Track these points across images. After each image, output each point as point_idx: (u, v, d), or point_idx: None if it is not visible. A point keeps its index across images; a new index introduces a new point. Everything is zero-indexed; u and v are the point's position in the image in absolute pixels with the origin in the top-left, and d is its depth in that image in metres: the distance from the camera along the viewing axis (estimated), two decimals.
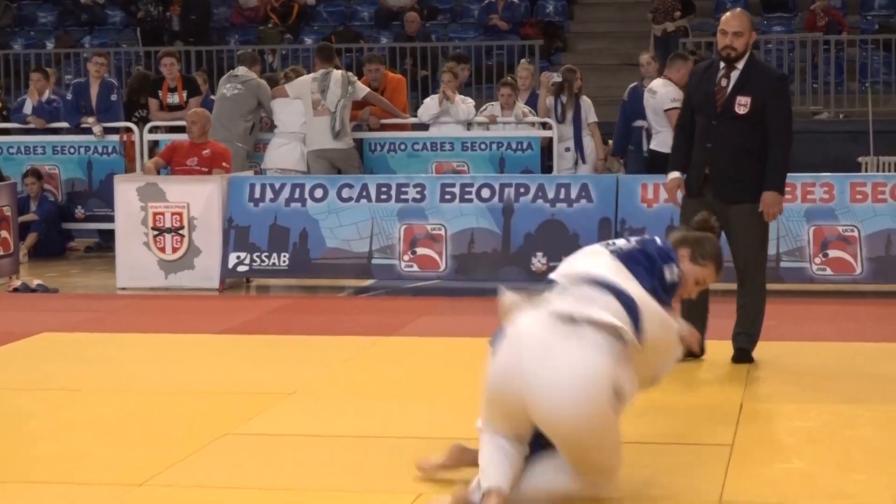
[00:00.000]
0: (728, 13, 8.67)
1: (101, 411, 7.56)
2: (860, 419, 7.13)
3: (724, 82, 8.33)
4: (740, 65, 8.31)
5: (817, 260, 11.60)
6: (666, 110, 13.21)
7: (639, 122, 14.41)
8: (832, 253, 11.59)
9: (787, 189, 11.16)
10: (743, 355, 8.40)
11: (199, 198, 12.56)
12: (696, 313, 7.89)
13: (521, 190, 12.23)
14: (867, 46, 19.42)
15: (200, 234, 12.51)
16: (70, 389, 8.17)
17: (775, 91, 8.42)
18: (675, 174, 8.61)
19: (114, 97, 15.75)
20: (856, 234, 11.60)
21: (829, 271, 11.61)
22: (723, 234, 7.92)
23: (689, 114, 8.59)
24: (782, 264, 11.45)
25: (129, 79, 17.39)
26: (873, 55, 19.33)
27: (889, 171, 16.94)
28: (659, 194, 11.86)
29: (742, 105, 8.21)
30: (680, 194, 8.56)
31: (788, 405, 7.48)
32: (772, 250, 11.20)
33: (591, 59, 20.11)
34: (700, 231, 6.31)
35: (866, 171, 15.86)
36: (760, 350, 8.50)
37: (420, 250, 12.26)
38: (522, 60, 17.88)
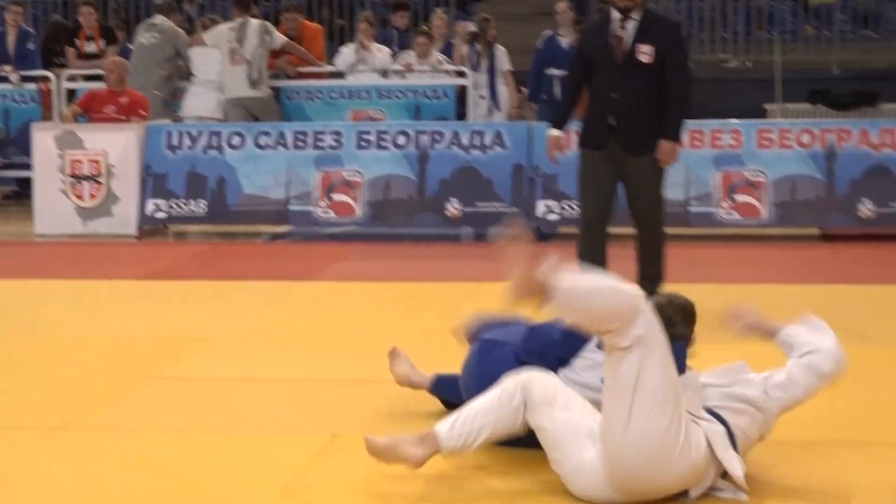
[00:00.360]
0: None
1: (19, 357, 7.51)
2: (764, 360, 7.20)
3: (621, 32, 8.17)
4: (636, 15, 8.17)
5: (725, 204, 11.72)
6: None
7: (552, 71, 14.43)
8: (739, 198, 11.71)
9: (697, 136, 11.37)
10: None
11: (117, 145, 12.49)
12: (596, 259, 7.94)
13: (437, 137, 12.24)
14: None
15: (118, 182, 12.44)
16: None
17: (675, 40, 8.36)
18: (555, 132, 8.50)
19: (31, 46, 15.58)
20: (762, 179, 11.73)
21: (736, 215, 11.74)
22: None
23: (581, 69, 8.45)
24: (691, 209, 11.56)
25: (46, 27, 17.15)
26: (781, 4, 19.44)
27: (795, 118, 17.10)
28: (571, 142, 11.92)
29: (645, 54, 8.10)
30: (559, 154, 8.54)
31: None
32: (680, 195, 11.37)
33: (505, 9, 20.05)
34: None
35: (773, 119, 15.98)
36: None
37: (336, 197, 12.24)
38: (437, 10, 17.81)
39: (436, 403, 5.96)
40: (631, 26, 8.17)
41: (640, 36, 8.16)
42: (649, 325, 4.73)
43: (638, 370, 4.66)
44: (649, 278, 8.20)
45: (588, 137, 8.36)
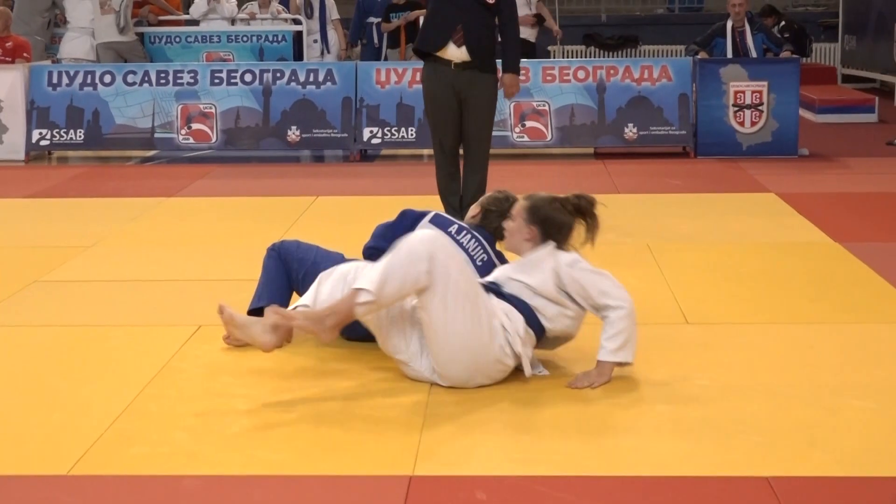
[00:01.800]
0: None
1: None
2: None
3: None
4: None
5: (517, 129, 11.79)
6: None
7: (370, 19, 14.37)
8: (529, 124, 11.78)
9: None
10: None
11: (4, 84, 12.11)
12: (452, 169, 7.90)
13: (278, 75, 12.08)
14: None
15: (7, 115, 12.09)
16: None
17: None
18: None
19: None
20: (546, 108, 11.81)
21: (526, 138, 11.82)
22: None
23: (434, 4, 7.83)
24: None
25: None
26: None
27: (572, 58, 17.25)
28: (391, 77, 11.88)
29: None
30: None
31: None
32: None
33: None
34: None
35: (554, 58, 16.10)
36: None
37: (195, 126, 12.04)
38: None
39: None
40: None
41: None
42: (442, 263, 4.58)
43: (445, 299, 4.59)
44: (476, 187, 7.85)
45: (428, 39, 7.80)
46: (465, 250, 5.36)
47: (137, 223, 8.62)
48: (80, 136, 12.09)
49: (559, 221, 5.02)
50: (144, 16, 14.27)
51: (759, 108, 11.57)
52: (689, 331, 5.68)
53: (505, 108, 11.63)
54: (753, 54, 12.00)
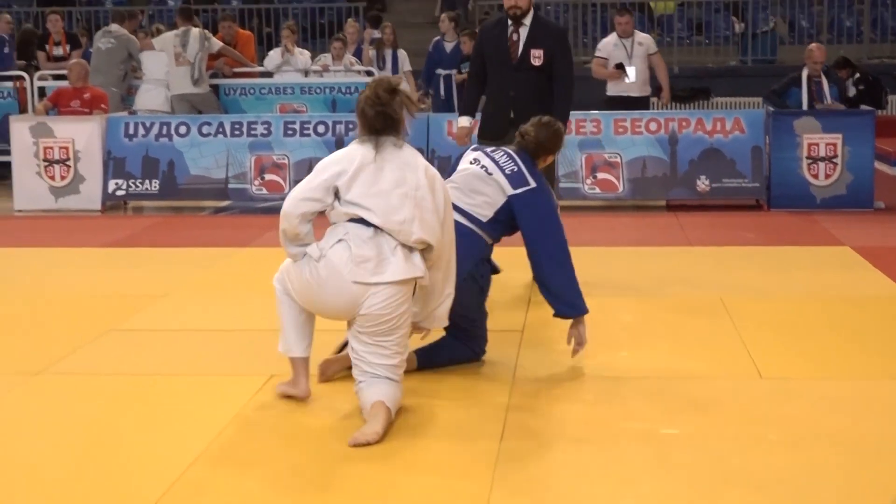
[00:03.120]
0: None
1: (2, 313, 7.39)
2: (622, 309, 7.28)
3: (514, 37, 8.06)
4: (527, 21, 8.05)
5: (588, 181, 11.79)
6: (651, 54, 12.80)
7: (439, 70, 14.47)
8: (600, 175, 11.77)
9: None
10: None
11: (83, 134, 12.32)
12: None
13: (351, 126, 12.18)
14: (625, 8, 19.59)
15: (84, 165, 12.29)
16: None
17: (561, 44, 8.17)
18: (466, 121, 8.31)
19: (6, 49, 15.33)
20: (618, 159, 11.80)
21: (597, 190, 11.80)
22: None
23: (481, 65, 8.21)
24: (560, 185, 11.59)
25: (20, 34, 16.85)
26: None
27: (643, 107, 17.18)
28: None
29: (536, 57, 7.98)
30: (472, 138, 8.25)
31: None
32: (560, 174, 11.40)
33: (405, 19, 20.02)
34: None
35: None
36: None
37: (268, 176, 12.18)
38: (349, 19, 17.71)
39: None
40: (524, 32, 8.04)
41: (532, 41, 8.02)
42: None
43: None
44: None
45: (487, 129, 8.13)
46: (496, 162, 5.88)
47: (210, 273, 8.71)
48: (155, 187, 12.26)
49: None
50: (219, 68, 14.46)
51: (834, 160, 11.48)
52: (763, 385, 5.62)
53: (576, 159, 11.64)
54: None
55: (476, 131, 8.36)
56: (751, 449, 4.67)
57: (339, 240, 4.94)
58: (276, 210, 11.98)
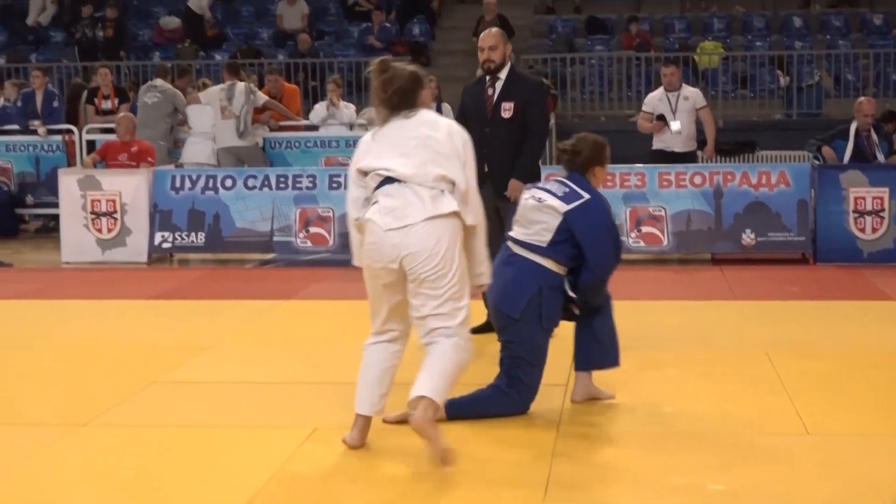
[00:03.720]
0: (484, 32, 8.15)
1: (49, 364, 7.45)
2: (667, 363, 7.24)
3: (490, 91, 7.96)
4: (503, 75, 7.94)
5: (633, 234, 11.76)
6: (699, 108, 12.81)
7: None
8: (644, 228, 11.74)
9: (608, 177, 11.35)
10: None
11: (130, 187, 12.43)
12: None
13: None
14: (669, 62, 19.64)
15: (131, 217, 12.39)
16: (21, 347, 8.03)
17: (533, 96, 8.01)
18: None
19: (56, 104, 15.55)
20: (663, 213, 11.77)
21: (642, 244, 11.76)
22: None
23: (464, 122, 7.73)
24: None
25: (69, 88, 17.07)
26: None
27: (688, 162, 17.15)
28: None
29: (507, 110, 7.87)
30: None
31: None
32: None
33: (449, 72, 20.08)
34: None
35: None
36: None
37: (313, 229, 12.22)
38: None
39: (407, 397, 5.92)
40: (499, 86, 7.94)
41: (504, 94, 7.92)
42: None
43: None
44: None
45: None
46: (547, 190, 6.06)
47: (254, 325, 8.74)
48: (200, 239, 12.33)
49: None
50: (265, 121, 14.58)
51: (881, 214, 11.41)
52: (810, 441, 5.56)
53: (621, 212, 11.62)
54: (881, 159, 11.88)
55: None
56: None
57: (374, 202, 5.28)
58: (320, 263, 12.15)
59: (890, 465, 5.14)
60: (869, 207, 11.44)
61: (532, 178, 7.70)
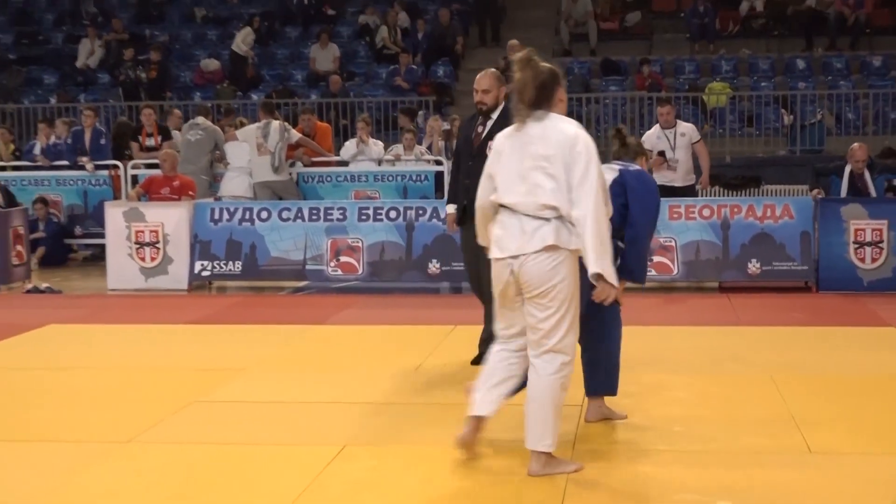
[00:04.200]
0: (479, 74, 7.88)
1: (95, 384, 7.48)
2: (677, 386, 7.22)
3: (479, 129, 7.72)
4: (495, 115, 7.65)
5: None
6: (695, 142, 12.86)
7: None
8: (655, 258, 11.71)
9: None
10: None
11: (172, 219, 12.49)
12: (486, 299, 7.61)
13: (420, 211, 12.26)
14: (680, 101, 19.65)
15: (172, 247, 12.45)
16: (69, 368, 8.07)
17: None
18: (452, 208, 7.90)
19: (103, 141, 15.65)
20: (673, 244, 11.76)
21: (652, 272, 11.72)
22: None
23: (457, 153, 8.01)
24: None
25: (115, 126, 17.19)
26: (685, 108, 19.58)
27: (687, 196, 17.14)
28: None
29: (490, 147, 7.58)
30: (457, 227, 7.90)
31: (622, 374, 7.52)
32: None
33: (471, 111, 20.09)
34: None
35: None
36: None
37: (343, 258, 12.25)
38: (420, 112, 17.90)
39: (431, 417, 5.94)
40: (489, 124, 7.66)
41: (492, 132, 7.35)
42: None
43: None
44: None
45: (460, 216, 7.79)
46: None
47: (288, 348, 8.76)
48: (237, 268, 12.38)
49: None
50: (298, 157, 14.65)
51: (880, 245, 11.38)
52: (813, 460, 5.54)
53: None
54: (874, 195, 11.86)
55: None
56: None
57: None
58: (350, 290, 12.16)
59: (890, 483, 5.12)
60: (869, 239, 11.41)
61: None
